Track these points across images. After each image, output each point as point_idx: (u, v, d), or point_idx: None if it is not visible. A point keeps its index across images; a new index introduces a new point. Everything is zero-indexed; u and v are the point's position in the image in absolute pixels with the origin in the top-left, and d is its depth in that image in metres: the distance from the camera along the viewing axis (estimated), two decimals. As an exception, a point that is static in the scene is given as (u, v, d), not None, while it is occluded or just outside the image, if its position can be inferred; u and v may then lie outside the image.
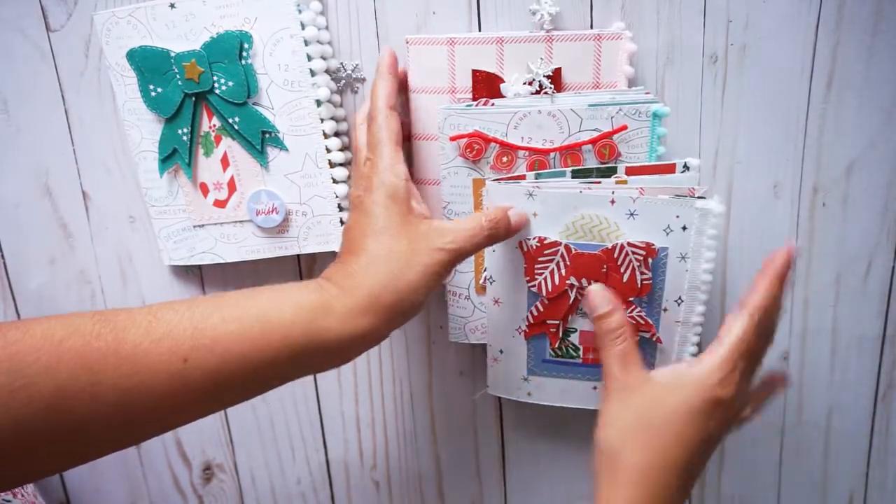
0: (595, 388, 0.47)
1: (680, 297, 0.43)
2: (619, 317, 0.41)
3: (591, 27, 0.48)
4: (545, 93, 0.44)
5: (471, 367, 0.57)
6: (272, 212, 0.48)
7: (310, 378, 0.57)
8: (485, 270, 0.46)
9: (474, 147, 0.44)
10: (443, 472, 0.59)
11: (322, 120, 0.46)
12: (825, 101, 0.49)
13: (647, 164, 0.43)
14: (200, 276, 0.55)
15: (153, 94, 0.46)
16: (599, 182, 0.43)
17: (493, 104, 0.44)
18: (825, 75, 0.49)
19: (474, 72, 0.45)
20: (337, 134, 0.48)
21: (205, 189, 0.49)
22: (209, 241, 0.50)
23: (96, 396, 0.30)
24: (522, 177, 0.44)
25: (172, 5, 0.45)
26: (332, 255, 0.52)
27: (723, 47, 0.48)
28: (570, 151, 0.44)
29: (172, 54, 0.45)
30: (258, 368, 0.34)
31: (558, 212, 0.42)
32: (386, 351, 0.57)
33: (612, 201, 0.41)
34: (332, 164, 0.47)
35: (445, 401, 0.58)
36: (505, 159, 0.45)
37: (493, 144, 0.44)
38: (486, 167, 0.45)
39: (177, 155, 0.48)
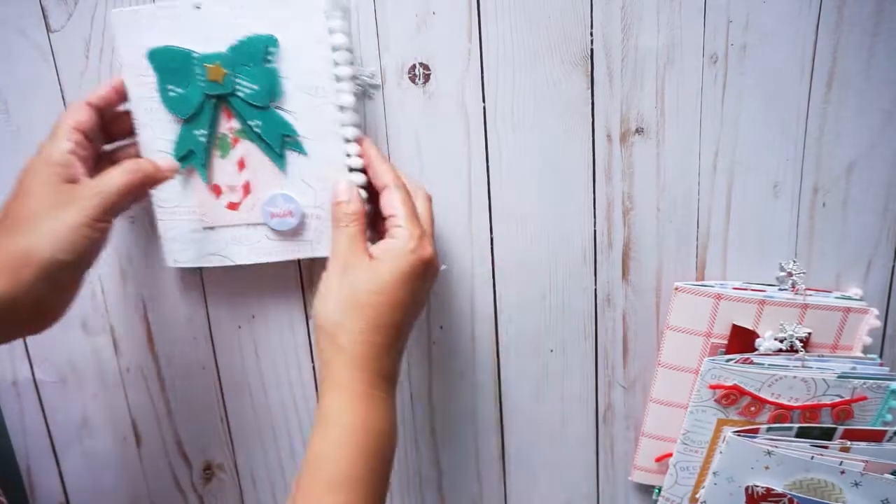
0: None
1: None
2: (355, 206, 0.45)
3: (592, 27, 0.49)
4: (795, 352, 0.50)
5: (471, 368, 0.57)
6: (287, 215, 0.48)
7: (310, 378, 0.58)
8: (699, 495, 0.52)
9: (730, 397, 0.51)
10: (443, 472, 0.60)
11: (343, 126, 0.46)
12: (825, 101, 0.50)
13: (864, 428, 0.49)
14: (201, 278, 0.56)
15: (171, 94, 0.47)
16: (827, 446, 0.49)
17: (751, 361, 0.50)
18: (825, 75, 0.49)
19: (734, 326, 0.51)
20: (355, 140, 0.48)
21: (218, 190, 0.49)
22: (219, 244, 0.51)
23: None
24: (756, 430, 0.50)
25: (198, 6, 0.45)
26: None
27: (723, 47, 0.49)
28: (811, 410, 0.50)
29: (196, 55, 0.45)
30: None
31: (789, 470, 0.49)
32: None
33: (842, 472, 0.48)
34: (350, 169, 0.47)
35: (446, 401, 0.58)
36: (753, 409, 0.51)
37: (746, 396, 0.51)
38: (733, 411, 0.51)
39: (192, 156, 0.48)
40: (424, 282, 0.44)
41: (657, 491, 0.58)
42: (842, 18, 0.48)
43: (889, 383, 0.49)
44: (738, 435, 0.49)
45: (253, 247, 0.50)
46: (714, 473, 0.51)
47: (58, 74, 0.51)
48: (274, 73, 0.45)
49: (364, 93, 0.47)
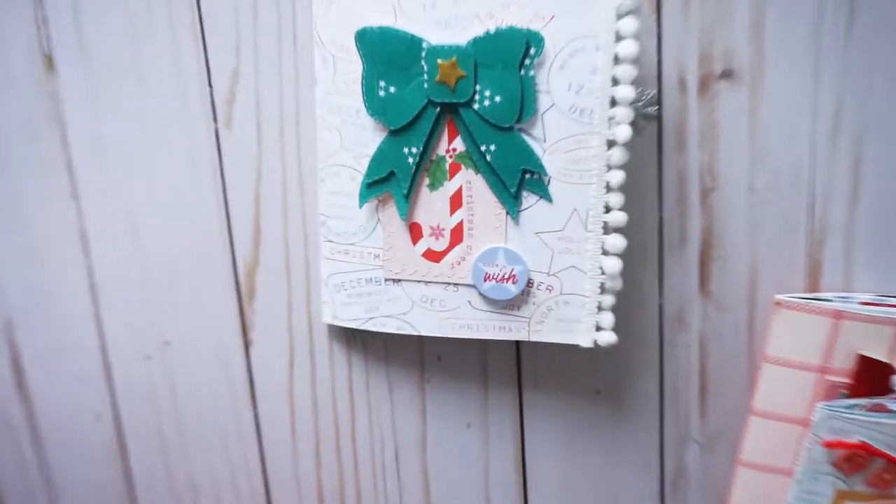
0: None
1: None
2: None
3: None
4: None
5: (482, 416, 0.57)
6: (507, 280, 0.48)
7: (250, 430, 0.58)
8: None
9: (855, 459, 0.50)
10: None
11: (609, 168, 0.46)
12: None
13: None
14: (91, 288, 0.54)
15: (382, 93, 0.46)
16: None
17: (885, 408, 0.49)
18: None
19: (862, 358, 0.50)
20: (621, 189, 0.48)
21: (416, 232, 0.50)
22: (401, 303, 0.51)
23: None
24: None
25: None
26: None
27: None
28: None
29: (425, 46, 0.45)
30: None
31: None
32: (360, 392, 0.57)
33: None
34: (607, 229, 0.47)
35: (445, 463, 0.59)
36: (887, 477, 0.50)
37: (878, 459, 0.50)
38: (858, 480, 0.51)
39: (392, 181, 0.48)
40: None
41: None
42: None
43: None
44: None
45: (449, 315, 0.50)
46: None
47: None
48: (529, 83, 0.45)
49: (635, 125, 0.46)
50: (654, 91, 0.50)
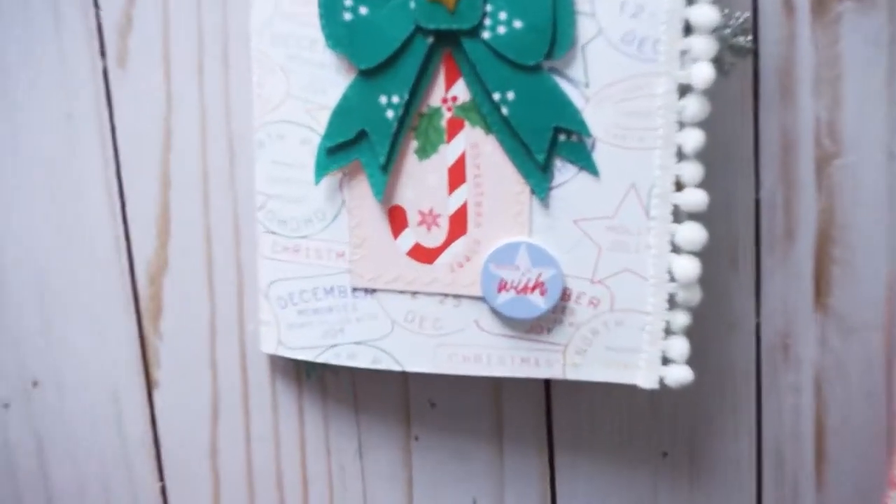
0: None
1: None
2: None
3: None
4: None
5: (495, 488, 0.54)
6: (533, 289, 0.45)
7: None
8: None
9: None
10: None
11: (682, 125, 0.43)
12: None
13: None
14: None
15: (349, 15, 0.43)
16: None
17: None
18: None
19: None
20: (698, 156, 0.46)
21: (399, 220, 0.46)
22: (381, 325, 0.48)
23: None
24: None
25: None
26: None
27: None
28: None
29: None
30: None
31: None
32: (317, 454, 0.53)
33: None
34: (678, 216, 0.43)
35: None
36: None
37: None
38: None
39: (363, 144, 0.45)
40: None
41: None
42: None
43: None
44: None
45: (445, 341, 0.47)
46: None
47: None
48: (565, 1, 0.42)
49: (720, 62, 0.44)
50: (749, 13, 0.47)
